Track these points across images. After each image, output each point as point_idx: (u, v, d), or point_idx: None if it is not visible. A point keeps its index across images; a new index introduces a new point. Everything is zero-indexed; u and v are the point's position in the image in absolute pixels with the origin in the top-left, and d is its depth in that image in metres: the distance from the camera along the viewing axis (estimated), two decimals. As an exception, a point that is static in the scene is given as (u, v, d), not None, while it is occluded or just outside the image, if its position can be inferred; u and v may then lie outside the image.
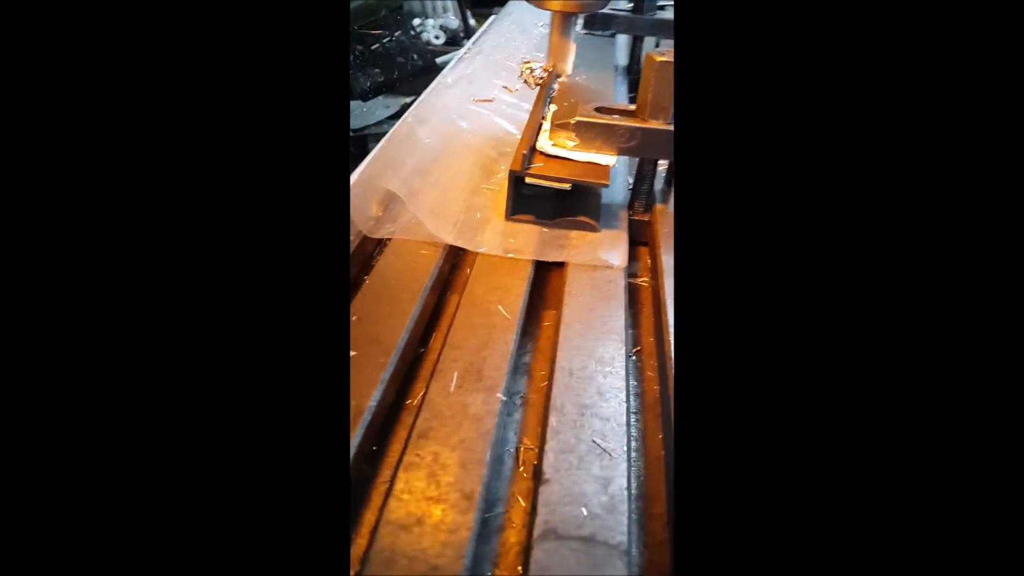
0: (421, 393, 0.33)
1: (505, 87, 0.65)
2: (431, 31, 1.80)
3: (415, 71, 1.60)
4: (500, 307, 0.37)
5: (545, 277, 0.43)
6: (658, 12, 0.80)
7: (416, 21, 1.77)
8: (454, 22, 1.87)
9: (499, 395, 0.31)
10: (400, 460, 0.27)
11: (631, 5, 0.82)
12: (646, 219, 0.50)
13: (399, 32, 1.61)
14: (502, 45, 0.85)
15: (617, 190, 0.52)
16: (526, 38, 0.89)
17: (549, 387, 0.32)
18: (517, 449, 0.32)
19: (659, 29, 0.79)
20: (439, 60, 1.62)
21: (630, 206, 0.50)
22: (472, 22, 1.97)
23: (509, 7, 1.10)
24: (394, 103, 1.57)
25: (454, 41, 1.83)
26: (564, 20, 0.58)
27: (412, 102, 0.68)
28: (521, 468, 0.31)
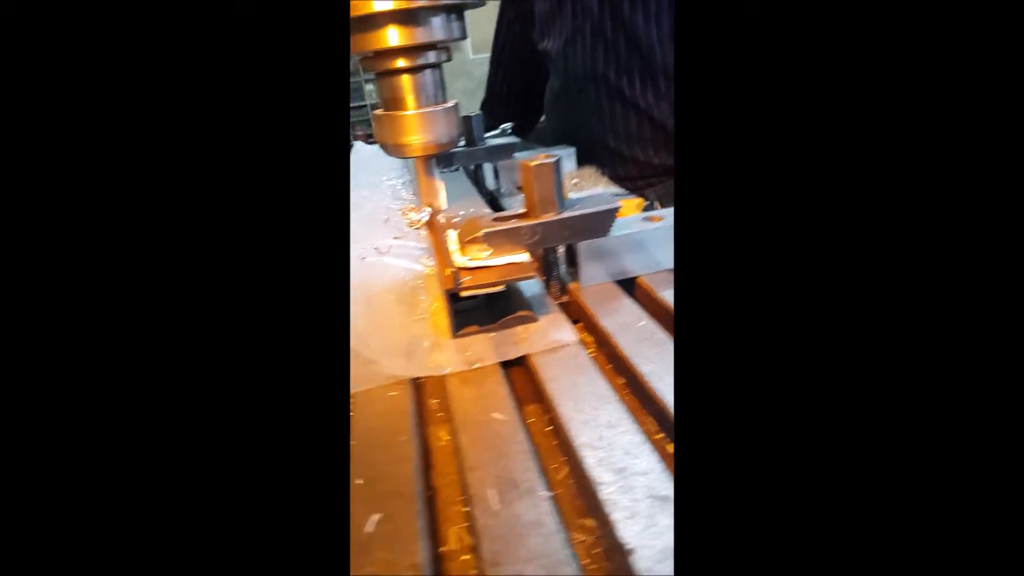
0: (457, 532, 0.31)
1: (396, 236, 0.68)
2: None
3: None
4: (495, 414, 0.37)
5: (510, 377, 0.44)
6: (487, 141, 0.91)
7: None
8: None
9: (544, 493, 0.30)
10: (485, 600, 0.25)
11: (463, 142, 0.93)
12: (566, 299, 0.54)
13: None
14: (360, 204, 0.90)
15: (528, 284, 0.56)
16: (380, 194, 0.95)
17: (579, 469, 0.32)
18: (573, 545, 0.30)
19: (493, 154, 0.90)
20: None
21: (548, 293, 0.54)
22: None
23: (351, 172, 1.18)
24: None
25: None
26: (426, 163, 0.65)
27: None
28: (588, 560, 0.29)
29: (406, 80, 0.58)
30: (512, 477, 0.31)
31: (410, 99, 0.59)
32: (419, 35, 0.55)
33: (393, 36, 0.54)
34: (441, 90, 0.61)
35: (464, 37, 0.59)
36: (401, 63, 0.57)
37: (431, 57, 0.58)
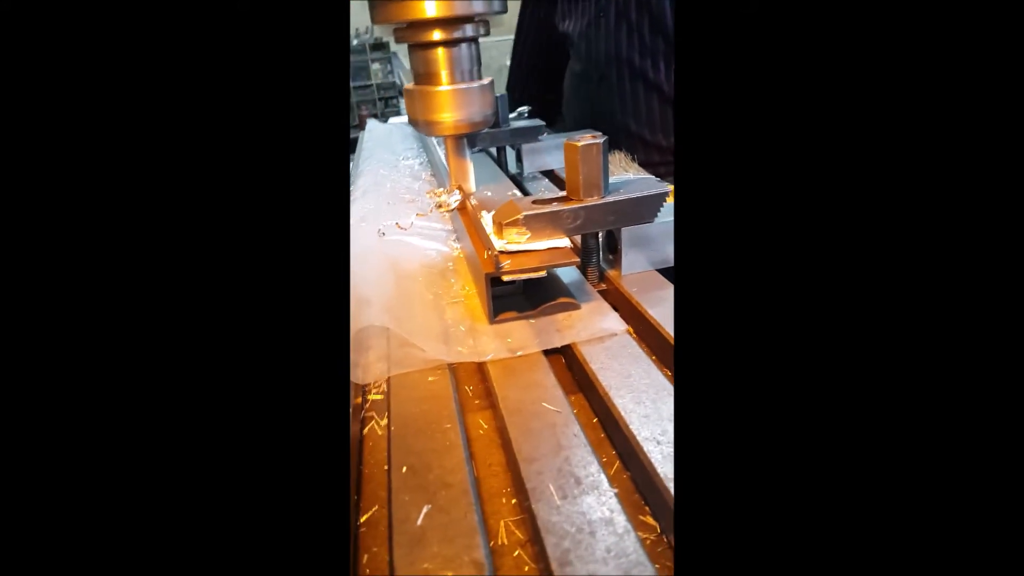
0: (507, 526, 0.29)
1: (418, 214, 0.66)
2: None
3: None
4: (544, 404, 0.35)
5: (552, 365, 0.42)
6: (512, 123, 0.89)
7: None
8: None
9: (611, 489, 0.28)
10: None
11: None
12: (604, 288, 0.52)
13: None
14: (380, 183, 0.87)
15: (564, 270, 0.54)
16: (398, 173, 0.93)
17: (640, 464, 0.30)
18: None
19: (518, 136, 0.88)
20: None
21: (587, 280, 0.52)
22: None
23: (363, 152, 1.15)
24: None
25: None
26: (457, 143, 0.62)
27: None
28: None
29: (441, 54, 0.56)
30: (573, 471, 0.29)
31: (444, 74, 0.57)
32: (457, 7, 0.52)
33: (430, 6, 0.52)
34: (477, 66, 0.58)
35: (504, 11, 0.57)
36: (437, 35, 0.54)
37: (468, 31, 0.55)
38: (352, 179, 0.97)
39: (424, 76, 0.57)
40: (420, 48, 0.56)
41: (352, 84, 4.25)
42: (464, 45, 0.56)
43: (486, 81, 0.59)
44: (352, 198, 0.81)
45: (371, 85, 4.33)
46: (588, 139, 0.46)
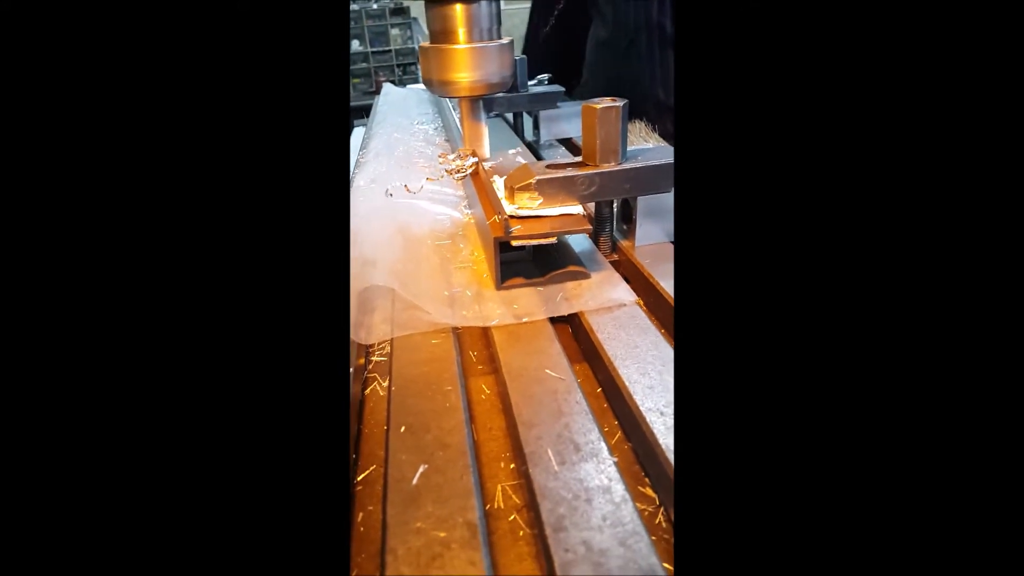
0: (504, 490, 0.29)
1: (428, 178, 0.65)
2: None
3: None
4: (548, 371, 0.34)
5: (559, 334, 0.42)
6: (530, 88, 0.86)
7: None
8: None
9: (611, 457, 0.27)
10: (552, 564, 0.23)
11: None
12: (616, 258, 0.51)
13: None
14: (392, 146, 0.86)
15: (574, 239, 0.53)
16: (412, 138, 0.91)
17: (642, 435, 0.30)
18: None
19: (536, 102, 0.85)
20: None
21: (598, 249, 0.50)
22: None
23: (377, 116, 1.14)
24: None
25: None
26: (472, 105, 0.60)
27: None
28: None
29: (459, 10, 0.54)
30: (572, 438, 0.29)
31: (461, 32, 0.55)
32: (478, -42, 0.50)
33: (449, -43, 0.50)
34: (497, 25, 0.56)
35: (525, -35, 0.54)
36: (456, -10, 0.52)
37: (488, -15, 0.53)
38: (364, 142, 0.96)
39: (440, 34, 0.55)
40: (437, 4, 0.54)
41: (370, 49, 4.20)
42: (484, 2, 0.54)
43: (505, 41, 0.57)
44: (363, 160, 0.80)
45: (390, 51, 4.27)
46: (607, 102, 0.44)
